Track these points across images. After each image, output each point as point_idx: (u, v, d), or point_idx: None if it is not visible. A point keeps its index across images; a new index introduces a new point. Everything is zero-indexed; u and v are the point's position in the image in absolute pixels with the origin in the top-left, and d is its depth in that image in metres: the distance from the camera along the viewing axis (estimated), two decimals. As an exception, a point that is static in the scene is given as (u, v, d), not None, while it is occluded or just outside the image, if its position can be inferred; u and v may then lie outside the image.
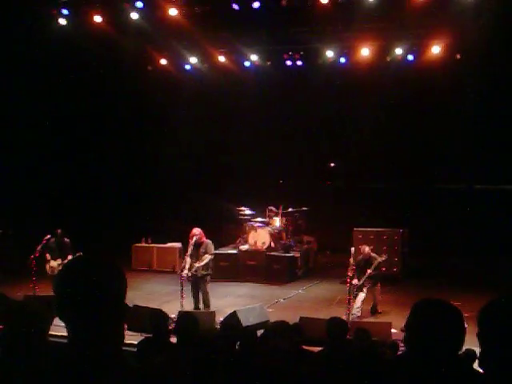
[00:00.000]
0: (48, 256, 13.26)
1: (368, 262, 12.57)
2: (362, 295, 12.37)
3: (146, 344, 6.61)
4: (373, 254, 12.78)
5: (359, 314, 12.18)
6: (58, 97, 17.38)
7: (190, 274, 12.39)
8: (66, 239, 13.45)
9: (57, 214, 16.04)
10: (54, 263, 13.20)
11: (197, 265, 12.42)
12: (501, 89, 16.15)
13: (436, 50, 16.01)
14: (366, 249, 12.74)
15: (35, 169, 17.37)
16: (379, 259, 12.69)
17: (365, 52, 16.54)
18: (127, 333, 9.76)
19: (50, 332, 3.47)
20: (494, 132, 16.92)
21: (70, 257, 13.00)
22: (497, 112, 16.71)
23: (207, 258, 12.49)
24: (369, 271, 12.40)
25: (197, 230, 12.55)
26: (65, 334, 2.23)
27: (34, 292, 12.18)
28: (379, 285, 12.84)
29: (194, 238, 12.41)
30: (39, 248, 12.83)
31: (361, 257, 12.63)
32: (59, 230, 13.41)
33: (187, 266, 12.41)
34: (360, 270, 12.45)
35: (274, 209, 17.73)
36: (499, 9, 12.90)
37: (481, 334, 2.31)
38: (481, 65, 15.42)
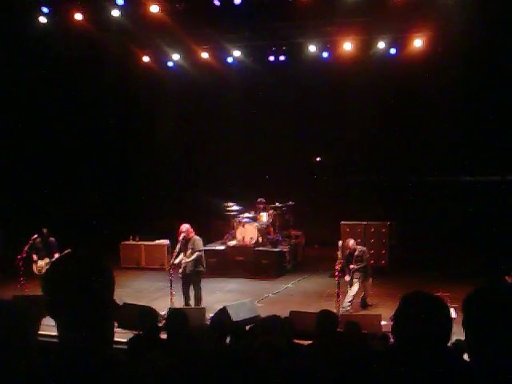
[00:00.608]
0: (35, 256, 13.23)
1: (354, 254, 12.60)
2: (354, 289, 12.41)
3: (137, 341, 6.60)
4: (358, 246, 12.82)
5: (350, 309, 12.21)
6: (38, 96, 17.24)
7: (178, 268, 12.46)
8: (51, 238, 13.44)
9: (42, 213, 15.94)
10: (41, 263, 13.18)
11: (184, 261, 12.45)
12: (483, 80, 16.22)
13: (418, 43, 16.09)
14: (351, 242, 12.75)
15: (19, 167, 17.23)
16: (365, 249, 12.76)
17: (347, 46, 16.59)
18: (117, 330, 9.75)
19: (41, 332, 3.46)
20: (478, 124, 16.98)
21: (56, 255, 13.07)
22: (481, 103, 16.79)
23: (195, 254, 12.50)
24: (351, 266, 12.45)
25: (184, 227, 12.55)
26: (55, 333, 2.22)
27: (22, 292, 12.14)
28: (371, 279, 12.87)
29: (182, 235, 12.43)
30: (26, 248, 12.79)
31: (347, 251, 12.65)
32: (45, 230, 13.37)
33: (176, 261, 12.45)
34: (348, 264, 12.50)
35: (263, 200, 17.76)
36: (481, 1, 12.95)
37: (465, 321, 2.33)
38: (463, 58, 15.46)
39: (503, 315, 2.22)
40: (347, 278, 12.34)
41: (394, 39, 16.45)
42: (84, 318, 2.17)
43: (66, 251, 12.40)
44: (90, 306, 2.17)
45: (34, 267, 13.20)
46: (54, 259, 12.99)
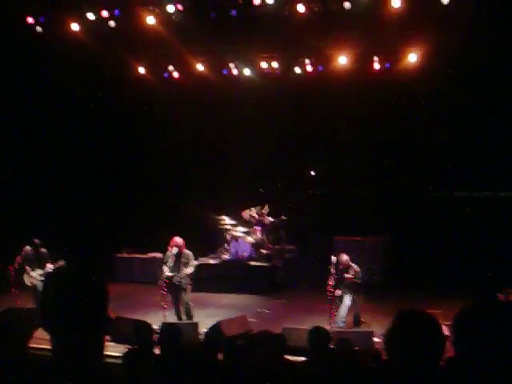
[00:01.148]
0: (27, 268, 13.11)
1: (347, 271, 12.46)
2: (346, 304, 12.31)
3: (132, 355, 6.55)
4: (353, 265, 12.60)
5: (344, 325, 12.11)
6: (33, 106, 17.21)
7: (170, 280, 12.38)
8: (43, 249, 13.34)
9: (32, 224, 15.88)
10: (34, 274, 13.06)
11: (185, 272, 12.40)
12: (478, 95, 16.29)
13: (413, 58, 16.15)
14: (344, 257, 12.59)
15: (10, 178, 17.17)
16: (357, 269, 12.62)
17: (342, 60, 16.64)
18: (111, 344, 9.67)
19: (32, 345, 3.41)
20: (474, 139, 17.04)
21: (49, 265, 12.99)
22: (477, 118, 16.86)
23: (192, 267, 12.53)
24: (347, 276, 12.35)
25: (179, 240, 12.50)
26: (46, 346, 2.20)
27: (14, 304, 12.04)
28: (362, 296, 12.77)
29: (176, 249, 12.37)
30: (19, 259, 12.71)
31: (340, 266, 12.48)
32: (36, 240, 13.28)
33: (170, 274, 12.37)
34: (340, 280, 12.40)
35: (254, 213, 17.71)
36: (475, 15, 13.02)
37: (456, 340, 2.31)
38: (457, 72, 15.54)
39: (491, 332, 2.20)
40: (338, 292, 12.25)
41: (389, 54, 16.52)
42: (77, 331, 2.15)
43: (59, 262, 12.46)
44: (84, 319, 2.16)
45: (26, 278, 13.09)
46: (46, 270, 12.94)
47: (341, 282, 12.31)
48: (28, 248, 13.05)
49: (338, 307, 12.14)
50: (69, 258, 12.37)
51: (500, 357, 2.15)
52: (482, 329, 2.21)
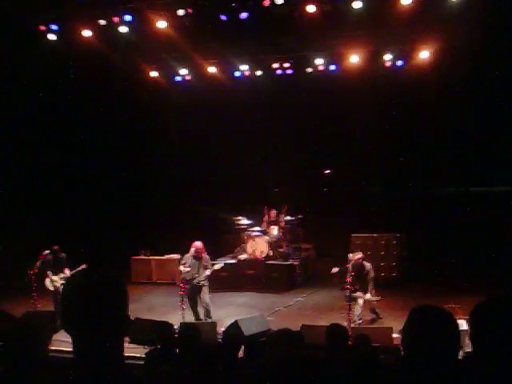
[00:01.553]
0: (49, 272, 13.27)
1: (361, 269, 12.47)
2: (359, 303, 12.34)
3: (154, 355, 6.61)
4: (366, 264, 12.63)
5: (361, 321, 12.17)
6: (47, 112, 17.36)
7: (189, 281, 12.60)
8: (62, 254, 13.49)
9: (48, 228, 16.04)
10: (55, 278, 13.24)
11: (206, 274, 12.71)
12: (490, 91, 16.24)
13: (425, 54, 16.10)
14: (357, 256, 12.61)
15: (25, 182, 17.34)
16: (370, 270, 12.61)
17: (354, 59, 16.61)
18: (130, 345, 9.75)
19: (53, 347, 3.47)
20: (486, 134, 16.97)
21: (66, 271, 13.22)
22: (487, 114, 16.78)
23: (210, 269, 12.81)
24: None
25: (200, 244, 12.81)
26: (66, 348, 2.25)
27: (34, 308, 12.17)
28: (373, 290, 12.66)
29: (194, 252, 12.59)
30: (38, 263, 12.85)
31: (353, 262, 12.44)
32: (56, 246, 13.42)
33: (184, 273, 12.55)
34: (355, 277, 12.35)
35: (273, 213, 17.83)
36: (486, 11, 12.97)
37: (472, 335, 2.33)
38: (469, 69, 15.49)
39: (508, 327, 2.22)
40: (360, 294, 12.30)
41: (401, 51, 16.47)
42: (99, 333, 2.19)
43: (81, 266, 12.59)
44: (105, 321, 2.20)
45: (48, 283, 13.24)
46: (66, 275, 13.20)
47: (356, 281, 12.34)
48: (47, 252, 13.18)
49: (352, 306, 12.14)
50: (89, 262, 12.54)
51: None
52: (498, 324, 2.23)
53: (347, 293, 11.71)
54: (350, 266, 12.24)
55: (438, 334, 2.58)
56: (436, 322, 2.64)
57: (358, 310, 12.27)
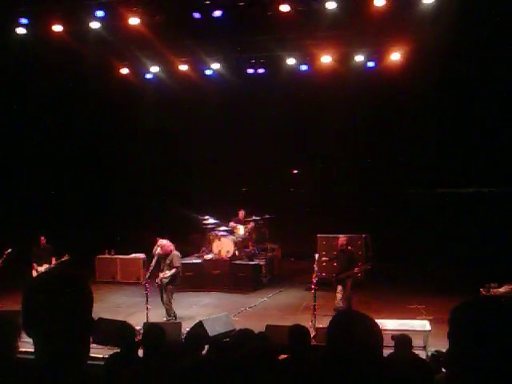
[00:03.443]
0: (35, 265, 13.72)
1: (346, 254, 13.21)
2: (339, 288, 13.01)
3: (115, 358, 6.55)
4: (350, 248, 13.53)
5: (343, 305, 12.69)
6: (16, 107, 17.10)
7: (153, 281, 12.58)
8: (47, 245, 14.08)
9: (13, 227, 15.85)
10: (41, 269, 13.44)
11: (162, 275, 12.51)
12: (460, 92, 16.46)
13: (396, 56, 16.24)
14: (342, 238, 13.53)
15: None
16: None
17: (326, 59, 16.69)
18: (93, 346, 9.65)
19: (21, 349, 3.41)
20: (456, 136, 17.19)
21: (54, 260, 13.98)
22: (457, 116, 17.01)
23: (173, 270, 12.67)
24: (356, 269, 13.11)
25: (167, 242, 12.80)
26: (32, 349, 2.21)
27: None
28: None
29: (158, 249, 12.52)
30: (0, 262, 12.72)
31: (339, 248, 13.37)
32: (43, 238, 13.98)
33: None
34: (341, 261, 13.21)
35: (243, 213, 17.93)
36: (457, 14, 13.13)
37: (452, 333, 2.34)
38: (439, 70, 15.67)
39: (492, 328, 2.24)
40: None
41: (372, 52, 16.60)
42: (60, 334, 2.15)
43: (64, 257, 13.54)
44: (68, 323, 2.16)
45: (34, 273, 13.30)
46: (52, 265, 13.85)
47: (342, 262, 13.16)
48: (11, 250, 13.07)
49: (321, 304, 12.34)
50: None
51: (496, 353, 2.19)
52: (479, 324, 2.24)
53: (313, 292, 11.84)
54: (316, 265, 12.33)
55: (357, 337, 2.63)
56: (355, 326, 2.70)
57: (338, 295, 12.84)
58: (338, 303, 12.83)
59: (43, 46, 15.36)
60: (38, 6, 14.38)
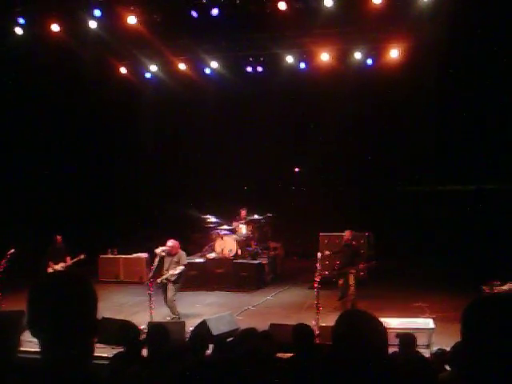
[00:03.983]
0: (51, 263, 14.03)
1: (351, 248, 13.50)
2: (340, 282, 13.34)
3: (119, 357, 6.53)
4: (354, 243, 13.81)
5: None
6: (14, 106, 17.07)
7: (159, 281, 12.58)
8: (61, 244, 14.52)
9: (14, 228, 15.85)
10: (57, 267, 13.79)
11: (171, 272, 12.55)
12: (459, 89, 16.42)
13: (394, 53, 16.19)
14: (348, 232, 13.75)
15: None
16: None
17: (324, 57, 16.65)
18: (97, 345, 9.63)
19: (21, 348, 3.39)
20: (456, 133, 17.16)
21: (68, 259, 14.30)
22: (456, 113, 16.97)
23: (181, 268, 12.71)
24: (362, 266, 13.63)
25: (175, 242, 12.86)
26: (36, 349, 2.19)
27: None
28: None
29: (162, 248, 12.52)
30: (3, 262, 12.71)
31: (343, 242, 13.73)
32: (59, 236, 14.34)
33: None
34: (344, 255, 13.49)
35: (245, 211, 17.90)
36: (455, 11, 13.11)
37: (465, 331, 2.32)
38: (438, 67, 15.65)
39: (507, 326, 2.21)
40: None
41: (370, 50, 16.57)
42: (66, 335, 2.14)
43: (80, 256, 13.96)
44: (74, 324, 2.15)
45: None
46: (68, 263, 14.19)
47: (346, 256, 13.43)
48: (12, 251, 13.06)
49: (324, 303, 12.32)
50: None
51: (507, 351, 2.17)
52: (492, 321, 2.22)
53: (316, 291, 11.80)
54: (319, 264, 12.31)
55: (364, 336, 2.63)
56: (361, 325, 2.69)
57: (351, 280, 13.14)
58: (353, 293, 13.09)
59: (41, 45, 15.33)
60: (35, 5, 14.36)
